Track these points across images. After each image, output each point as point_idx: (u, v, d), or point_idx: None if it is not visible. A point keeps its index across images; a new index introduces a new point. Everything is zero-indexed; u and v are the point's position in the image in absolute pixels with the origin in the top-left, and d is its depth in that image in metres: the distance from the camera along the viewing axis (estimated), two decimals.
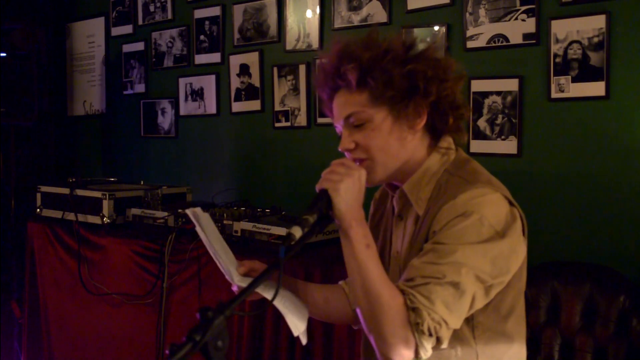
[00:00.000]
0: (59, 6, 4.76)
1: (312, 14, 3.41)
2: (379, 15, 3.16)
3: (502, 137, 2.81)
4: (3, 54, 3.85)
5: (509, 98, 2.79)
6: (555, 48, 2.66)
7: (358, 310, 1.33)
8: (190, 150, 4.04)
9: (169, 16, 4.11)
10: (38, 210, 3.56)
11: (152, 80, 4.28)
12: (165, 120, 4.18)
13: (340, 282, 1.73)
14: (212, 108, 3.88)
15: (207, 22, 3.90)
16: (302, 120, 3.44)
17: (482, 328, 1.39)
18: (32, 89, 3.94)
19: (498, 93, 2.82)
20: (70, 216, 3.32)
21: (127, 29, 4.39)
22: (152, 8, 4.22)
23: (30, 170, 4.60)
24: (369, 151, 1.42)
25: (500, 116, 2.81)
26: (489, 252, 1.30)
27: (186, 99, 4.03)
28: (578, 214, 2.67)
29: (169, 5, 4.11)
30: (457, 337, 1.35)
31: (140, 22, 4.30)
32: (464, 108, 1.47)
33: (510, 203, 1.39)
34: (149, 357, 3.02)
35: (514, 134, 2.77)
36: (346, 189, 1.30)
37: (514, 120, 2.77)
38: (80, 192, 3.33)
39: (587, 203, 2.65)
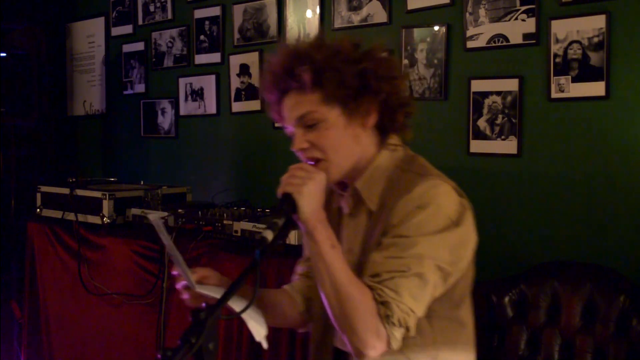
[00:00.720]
0: (59, 6, 4.76)
1: (312, 14, 3.41)
2: (379, 15, 3.16)
3: (502, 137, 2.81)
4: (3, 54, 3.86)
5: (508, 98, 2.79)
6: (555, 48, 2.66)
7: (329, 310, 1.36)
8: (190, 150, 4.04)
9: (169, 16, 4.11)
10: (38, 210, 3.56)
11: (152, 80, 4.28)
12: (165, 120, 4.18)
13: (285, 286, 1.74)
14: (212, 108, 3.88)
15: (207, 22, 3.90)
16: None
17: (438, 316, 1.44)
18: (32, 89, 3.95)
19: (498, 93, 2.82)
20: (71, 216, 3.33)
21: (127, 29, 4.39)
22: (152, 8, 4.22)
23: (30, 170, 4.60)
24: (323, 151, 1.44)
25: (500, 116, 2.81)
26: (447, 241, 1.37)
27: (186, 99, 4.03)
28: (578, 213, 2.67)
29: (169, 5, 4.11)
30: (416, 328, 1.40)
31: (140, 22, 4.30)
32: (411, 106, 1.53)
33: (459, 195, 1.46)
34: (149, 357, 3.02)
35: (514, 134, 2.77)
36: (309, 192, 1.32)
37: (514, 121, 2.77)
38: (80, 192, 3.33)
39: (587, 203, 2.65)
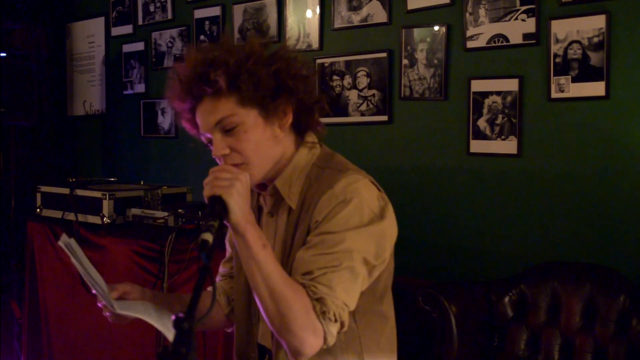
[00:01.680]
0: (59, 6, 4.77)
1: (312, 14, 3.41)
2: (379, 15, 3.16)
3: (502, 137, 2.81)
4: (3, 54, 3.85)
5: (508, 98, 2.79)
6: (555, 48, 2.66)
7: (263, 312, 1.33)
8: (190, 150, 4.03)
9: (169, 16, 4.12)
10: (38, 210, 3.56)
11: (152, 80, 4.28)
12: (165, 120, 4.18)
13: (209, 288, 1.69)
14: None
15: (207, 22, 3.90)
16: None
17: (362, 311, 1.44)
18: (32, 89, 3.94)
19: (498, 93, 2.82)
20: (71, 216, 3.32)
21: (127, 29, 4.39)
22: (152, 8, 4.22)
23: (30, 170, 4.60)
24: (244, 154, 1.42)
25: (500, 116, 2.81)
26: (372, 234, 1.38)
27: None
28: (578, 213, 2.67)
29: (169, 5, 4.11)
30: None
31: (140, 22, 4.30)
32: (323, 102, 1.52)
33: (378, 189, 1.46)
34: (148, 357, 3.02)
35: (514, 134, 2.77)
36: (238, 193, 1.29)
37: (513, 120, 2.77)
38: (80, 192, 3.33)
39: (586, 203, 2.65)
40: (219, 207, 1.27)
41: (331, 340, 1.32)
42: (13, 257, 4.01)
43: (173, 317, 0.94)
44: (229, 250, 1.73)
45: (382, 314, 1.52)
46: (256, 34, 3.21)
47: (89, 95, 4.70)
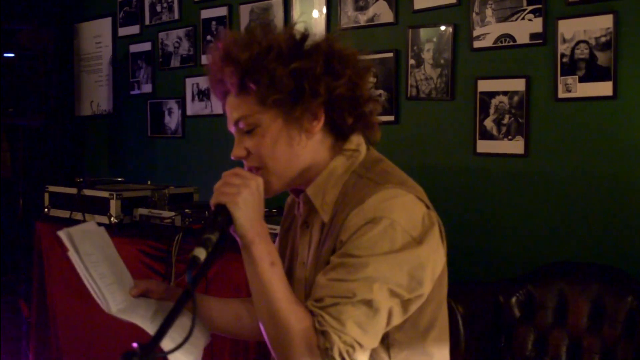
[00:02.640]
0: (67, 7, 4.78)
1: (318, 14, 3.41)
2: (386, 15, 3.16)
3: (509, 137, 2.80)
4: (12, 55, 3.87)
5: (515, 98, 2.78)
6: (562, 48, 2.65)
7: (264, 333, 1.22)
8: (197, 150, 4.04)
9: (176, 16, 4.12)
10: (46, 210, 3.57)
11: (159, 80, 4.29)
12: (172, 120, 4.19)
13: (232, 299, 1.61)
14: (218, 108, 3.88)
15: (213, 22, 3.91)
16: None
17: (399, 346, 1.25)
18: (40, 89, 3.97)
19: (505, 93, 2.81)
20: (78, 216, 3.33)
21: (134, 29, 4.40)
22: (159, 8, 4.23)
23: (38, 170, 4.62)
24: (261, 159, 1.28)
25: (507, 116, 2.81)
26: (404, 262, 1.18)
27: (193, 99, 4.04)
28: (585, 214, 2.66)
29: (175, 5, 4.12)
30: (370, 358, 1.24)
31: (147, 22, 4.31)
32: (371, 103, 1.32)
33: (427, 206, 1.27)
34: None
35: (521, 134, 2.77)
36: (245, 202, 1.17)
37: (520, 120, 2.77)
38: (87, 192, 3.34)
39: (594, 203, 2.64)
40: (222, 217, 1.16)
41: None
42: (21, 256, 4.03)
43: (134, 345, 0.84)
44: None
45: (425, 352, 1.30)
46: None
47: (97, 95, 4.72)
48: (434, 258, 1.24)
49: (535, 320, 2.51)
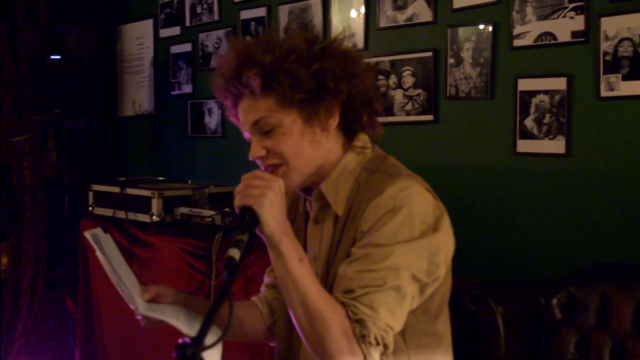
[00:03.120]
0: (110, 9, 4.87)
1: (356, 13, 3.42)
2: (424, 14, 3.14)
3: (550, 136, 2.77)
4: (58, 57, 3.96)
5: (556, 97, 2.75)
6: (605, 46, 2.61)
7: (298, 329, 1.26)
8: (237, 149, 4.08)
9: (216, 17, 4.17)
10: (90, 208, 3.65)
11: (199, 80, 4.35)
12: (212, 120, 4.24)
13: (254, 298, 1.64)
14: None
15: (253, 23, 3.94)
16: None
17: (413, 331, 1.34)
18: (84, 91, 4.04)
19: (545, 92, 2.78)
20: (121, 214, 3.40)
21: (175, 30, 4.47)
22: (199, 9, 4.28)
23: (82, 169, 4.72)
24: (282, 157, 1.34)
25: (547, 115, 2.77)
26: (424, 248, 1.27)
27: None
28: (628, 214, 2.61)
29: (215, 6, 4.16)
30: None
31: (187, 23, 4.37)
32: (377, 102, 1.41)
33: (434, 197, 1.35)
34: None
35: (562, 133, 2.73)
36: (270, 202, 1.21)
37: (561, 120, 2.73)
38: (130, 191, 3.40)
39: (637, 203, 2.59)
40: (249, 219, 1.20)
41: None
42: (67, 254, 4.13)
43: (179, 341, 0.88)
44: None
45: (436, 334, 1.40)
46: (302, 29, 3.14)
47: (138, 95, 4.80)
48: (447, 244, 1.34)
49: (577, 322, 2.48)
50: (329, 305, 1.22)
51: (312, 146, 1.35)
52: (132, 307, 1.41)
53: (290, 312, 1.27)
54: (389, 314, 1.23)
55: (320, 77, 1.31)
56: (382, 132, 1.46)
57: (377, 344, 1.22)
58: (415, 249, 1.26)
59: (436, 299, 1.37)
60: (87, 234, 1.37)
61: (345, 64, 1.34)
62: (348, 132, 1.41)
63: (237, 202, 1.24)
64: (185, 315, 1.42)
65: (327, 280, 1.34)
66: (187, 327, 1.37)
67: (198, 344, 0.89)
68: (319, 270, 1.39)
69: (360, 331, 1.21)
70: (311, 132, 1.35)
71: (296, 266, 1.23)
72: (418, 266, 1.26)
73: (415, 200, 1.29)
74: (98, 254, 1.38)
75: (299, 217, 1.52)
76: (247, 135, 1.41)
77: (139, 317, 1.46)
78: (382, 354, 1.26)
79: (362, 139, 1.43)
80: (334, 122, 1.36)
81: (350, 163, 1.39)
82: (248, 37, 1.40)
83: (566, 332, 2.49)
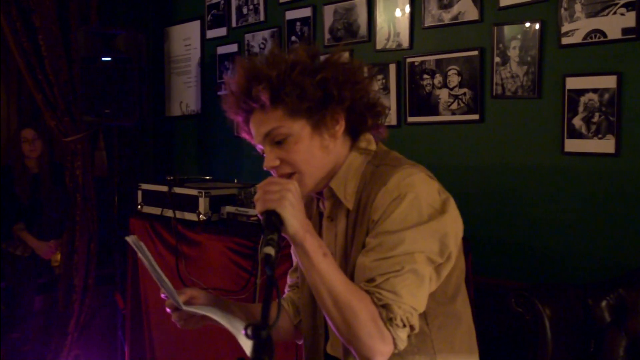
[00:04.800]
0: (158, 11, 4.97)
1: (401, 13, 3.41)
2: (470, 12, 3.12)
3: (599, 136, 2.72)
4: (108, 59, 4.05)
5: (606, 95, 2.69)
6: None
7: (330, 321, 1.32)
8: None
9: (262, 18, 4.21)
10: (139, 207, 3.70)
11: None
12: None
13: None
14: None
15: (298, 23, 3.97)
16: (392, 119, 3.45)
17: (433, 312, 1.40)
18: (133, 91, 4.13)
19: (595, 90, 2.73)
20: (169, 213, 3.45)
21: (222, 31, 4.53)
22: (245, 10, 4.33)
23: (131, 168, 4.83)
24: (295, 165, 1.42)
25: (596, 114, 2.72)
26: (434, 230, 1.34)
27: None
28: None
29: (261, 7, 4.21)
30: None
31: (234, 24, 4.42)
32: (380, 105, 1.50)
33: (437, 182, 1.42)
34: (242, 352, 3.11)
35: (612, 132, 2.68)
36: (291, 203, 1.28)
37: (611, 119, 2.68)
38: (177, 190, 3.45)
39: None
40: (275, 220, 1.26)
41: (402, 345, 1.31)
42: (117, 251, 4.23)
43: (249, 326, 0.94)
44: (295, 260, 1.69)
45: (456, 315, 1.47)
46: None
47: (185, 96, 4.88)
48: (455, 225, 1.39)
49: (627, 325, 2.43)
50: (355, 295, 1.29)
51: (322, 152, 1.44)
52: (175, 302, 1.49)
53: (319, 304, 1.34)
54: (411, 296, 1.30)
55: (325, 86, 1.39)
56: (388, 134, 1.54)
57: (404, 325, 1.29)
58: (426, 231, 1.33)
59: (452, 280, 1.44)
60: (129, 239, 1.46)
61: (346, 73, 1.43)
62: (354, 135, 1.50)
63: (259, 207, 1.30)
64: (220, 314, 1.52)
65: (347, 272, 1.40)
66: (227, 322, 1.47)
67: (267, 326, 0.96)
68: (337, 264, 1.44)
69: (387, 315, 1.28)
70: (320, 139, 1.43)
71: (321, 261, 1.29)
72: (430, 248, 1.33)
73: (419, 186, 1.36)
74: (140, 255, 1.48)
75: (313, 218, 1.59)
76: (259, 147, 1.49)
77: (174, 319, 1.56)
78: (408, 336, 1.33)
79: (366, 138, 1.51)
80: (341, 128, 1.45)
81: (355, 160, 1.48)
82: (252, 56, 1.50)
83: (615, 336, 2.44)
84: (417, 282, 1.31)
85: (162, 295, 1.53)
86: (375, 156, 1.49)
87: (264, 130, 1.43)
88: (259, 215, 1.30)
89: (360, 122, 1.48)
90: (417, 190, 1.35)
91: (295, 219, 1.28)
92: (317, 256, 1.29)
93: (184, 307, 1.48)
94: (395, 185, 1.35)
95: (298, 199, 1.31)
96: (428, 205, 1.35)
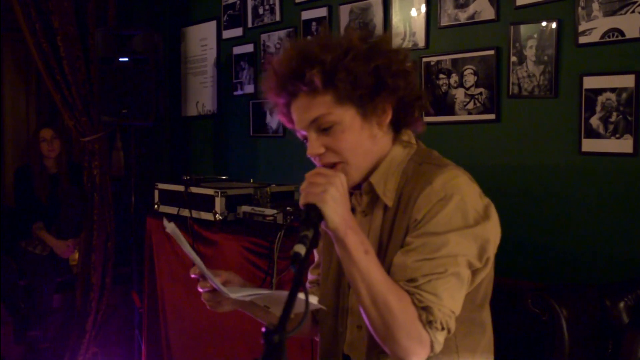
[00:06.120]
0: (175, 12, 5.00)
1: (417, 12, 3.40)
2: (487, 12, 3.11)
3: (617, 135, 2.70)
4: (126, 59, 4.09)
5: (624, 95, 2.67)
6: None
7: (367, 319, 1.29)
8: (298, 149, 4.10)
9: (277, 18, 4.22)
10: (156, 206, 3.73)
11: (261, 81, 4.40)
12: (274, 120, 4.30)
13: (301, 295, 1.67)
14: None
15: (314, 23, 3.98)
16: None
17: (460, 319, 1.34)
18: (150, 91, 4.16)
19: (612, 90, 2.71)
20: (185, 212, 3.48)
21: (238, 31, 4.54)
22: (261, 10, 4.34)
23: (148, 168, 4.86)
24: (341, 154, 1.37)
25: (614, 114, 2.70)
26: (477, 235, 1.31)
27: None
28: None
29: (277, 7, 4.22)
30: None
31: (249, 24, 4.44)
32: (425, 98, 1.46)
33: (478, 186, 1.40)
34: (258, 351, 3.13)
35: (630, 132, 2.66)
36: (333, 199, 1.24)
37: (629, 118, 2.66)
38: (194, 190, 3.47)
39: None
40: (314, 215, 1.23)
41: (438, 348, 1.28)
42: (134, 250, 4.26)
43: (263, 330, 0.92)
44: (317, 257, 1.69)
45: (481, 323, 1.45)
46: (357, 26, 3.16)
47: (202, 96, 4.90)
48: (495, 231, 1.36)
49: None
50: (395, 294, 1.26)
51: (370, 142, 1.40)
52: (221, 292, 1.45)
53: (358, 303, 1.30)
54: (451, 300, 1.28)
55: (379, 75, 1.34)
56: (425, 129, 1.50)
57: (442, 328, 1.27)
58: (470, 236, 1.30)
59: (482, 288, 1.41)
60: (168, 226, 1.44)
61: (398, 62, 1.38)
62: (397, 127, 1.46)
63: (302, 200, 1.27)
64: (267, 291, 1.48)
65: None
66: (270, 302, 1.44)
67: (282, 329, 0.93)
68: None
69: (427, 317, 1.25)
70: (369, 128, 1.38)
71: (362, 258, 1.26)
72: (472, 253, 1.30)
73: (465, 189, 1.33)
74: (181, 244, 1.46)
75: None
76: (301, 133, 1.43)
77: (204, 299, 1.55)
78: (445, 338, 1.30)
79: (408, 134, 1.48)
80: (387, 117, 1.40)
81: (398, 155, 1.44)
82: (303, 38, 1.45)
83: (634, 337, 2.42)
84: (458, 286, 1.29)
85: (192, 275, 1.52)
86: (417, 153, 1.46)
87: (311, 116, 1.37)
88: (300, 207, 1.27)
89: (406, 114, 1.43)
90: (463, 192, 1.32)
91: (336, 214, 1.24)
92: (358, 253, 1.25)
93: (232, 296, 1.41)
94: (442, 185, 1.32)
95: (342, 192, 1.27)
96: (473, 209, 1.32)
